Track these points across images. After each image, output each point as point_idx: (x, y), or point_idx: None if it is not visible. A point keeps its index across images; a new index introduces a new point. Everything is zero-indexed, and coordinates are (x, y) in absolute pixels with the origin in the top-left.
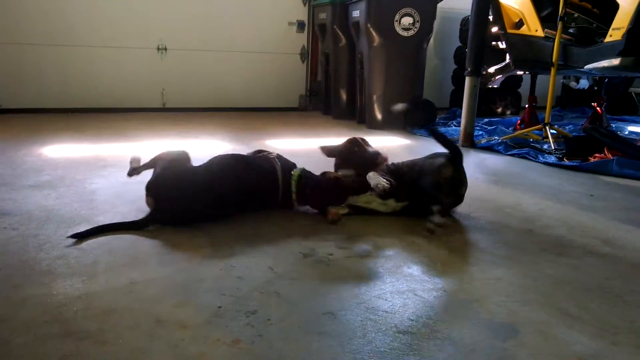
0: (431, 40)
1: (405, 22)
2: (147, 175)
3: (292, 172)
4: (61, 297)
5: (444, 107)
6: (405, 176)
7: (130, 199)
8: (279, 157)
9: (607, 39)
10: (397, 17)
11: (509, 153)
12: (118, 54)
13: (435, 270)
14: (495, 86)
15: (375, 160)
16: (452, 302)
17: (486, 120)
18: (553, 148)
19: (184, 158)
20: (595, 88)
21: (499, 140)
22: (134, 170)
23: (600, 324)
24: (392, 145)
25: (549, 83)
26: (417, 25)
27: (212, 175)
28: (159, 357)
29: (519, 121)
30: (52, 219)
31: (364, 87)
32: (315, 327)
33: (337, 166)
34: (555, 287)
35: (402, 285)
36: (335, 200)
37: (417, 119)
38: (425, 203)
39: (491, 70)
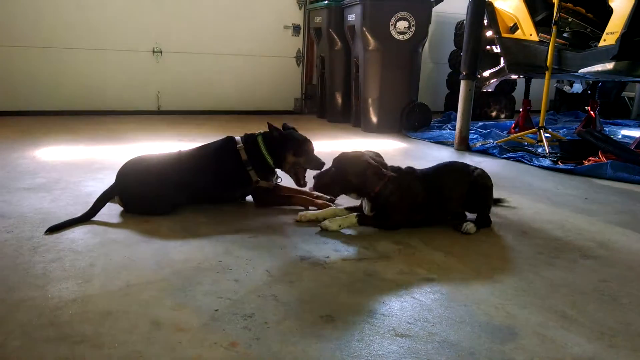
0: (426, 44)
1: (401, 26)
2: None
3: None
4: (56, 300)
5: (439, 111)
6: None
7: None
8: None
9: (601, 43)
10: (392, 20)
11: (503, 156)
12: (113, 57)
13: (432, 274)
14: (490, 90)
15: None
16: (450, 305)
17: (481, 123)
18: (547, 151)
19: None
20: (589, 92)
21: (494, 144)
22: None
23: (597, 326)
24: (387, 148)
25: (544, 87)
26: (413, 29)
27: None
28: None
29: (513, 125)
30: (47, 221)
31: (359, 91)
32: (313, 330)
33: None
34: (551, 290)
35: (399, 288)
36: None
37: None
38: (447, 213)
39: (486, 74)
